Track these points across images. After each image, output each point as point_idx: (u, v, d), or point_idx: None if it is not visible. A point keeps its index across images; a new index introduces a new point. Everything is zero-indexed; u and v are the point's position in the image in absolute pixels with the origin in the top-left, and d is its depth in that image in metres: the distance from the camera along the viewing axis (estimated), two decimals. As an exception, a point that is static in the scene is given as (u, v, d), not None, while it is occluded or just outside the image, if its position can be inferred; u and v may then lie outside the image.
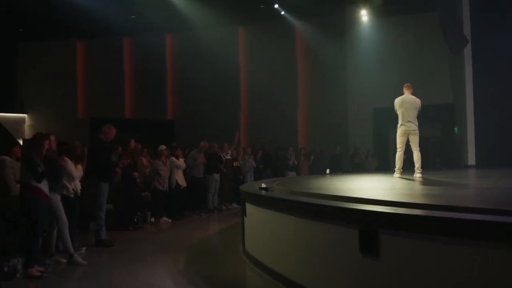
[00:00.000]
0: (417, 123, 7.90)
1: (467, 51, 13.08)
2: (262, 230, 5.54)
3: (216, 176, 11.71)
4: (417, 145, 7.90)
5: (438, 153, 15.06)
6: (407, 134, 7.94)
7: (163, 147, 10.06)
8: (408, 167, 8.51)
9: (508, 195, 4.97)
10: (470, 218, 3.02)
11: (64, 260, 6.12)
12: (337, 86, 16.33)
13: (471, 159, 12.95)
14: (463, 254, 2.91)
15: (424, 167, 7.80)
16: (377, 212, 3.59)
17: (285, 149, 14.16)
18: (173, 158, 10.42)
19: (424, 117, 13.04)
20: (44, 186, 5.56)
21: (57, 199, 6.14)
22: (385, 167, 13.46)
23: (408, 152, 8.13)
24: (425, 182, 6.87)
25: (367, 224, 3.57)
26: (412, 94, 8.03)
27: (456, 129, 14.35)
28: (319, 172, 12.52)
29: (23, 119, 19.20)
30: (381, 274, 3.48)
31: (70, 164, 6.57)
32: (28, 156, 5.48)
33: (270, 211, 5.15)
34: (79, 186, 6.83)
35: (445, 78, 14.68)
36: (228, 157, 12.37)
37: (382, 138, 15.10)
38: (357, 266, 3.68)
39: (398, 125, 8.02)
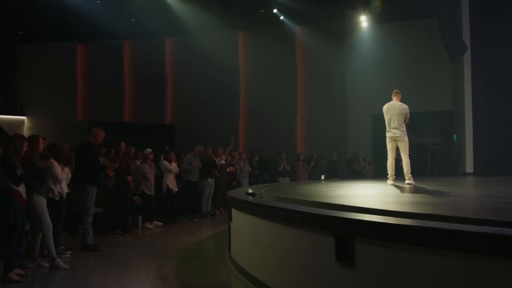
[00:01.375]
0: (403, 129, 7.78)
1: (466, 57, 12.94)
2: (245, 236, 5.45)
3: (210, 180, 11.61)
4: (406, 151, 7.77)
5: (437, 160, 14.91)
6: (394, 140, 7.85)
7: (148, 150, 9.97)
8: (403, 173, 8.37)
9: (496, 204, 4.84)
10: (446, 227, 2.91)
11: (47, 264, 6.03)
12: (336, 92, 16.23)
13: (469, 167, 12.79)
14: (441, 264, 2.81)
15: (422, 173, 7.65)
16: (353, 220, 3.49)
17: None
18: (165, 162, 10.32)
19: (423, 124, 12.97)
20: (21, 188, 5.44)
21: (41, 201, 6.06)
22: (384, 174, 13.30)
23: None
24: (416, 189, 6.74)
25: (343, 232, 3.47)
26: (401, 100, 7.92)
27: (455, 136, 14.20)
28: (318, 178, 12.39)
29: (22, 122, 19.21)
30: (357, 283, 3.38)
31: (56, 167, 6.50)
32: (6, 158, 5.33)
33: (252, 217, 5.06)
34: (65, 189, 6.75)
35: (444, 85, 14.55)
36: (223, 162, 12.26)
37: (381, 145, 14.80)
38: (334, 274, 3.58)
39: (386, 132, 7.95)
